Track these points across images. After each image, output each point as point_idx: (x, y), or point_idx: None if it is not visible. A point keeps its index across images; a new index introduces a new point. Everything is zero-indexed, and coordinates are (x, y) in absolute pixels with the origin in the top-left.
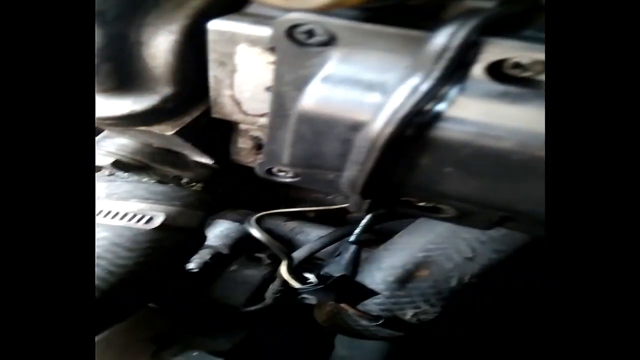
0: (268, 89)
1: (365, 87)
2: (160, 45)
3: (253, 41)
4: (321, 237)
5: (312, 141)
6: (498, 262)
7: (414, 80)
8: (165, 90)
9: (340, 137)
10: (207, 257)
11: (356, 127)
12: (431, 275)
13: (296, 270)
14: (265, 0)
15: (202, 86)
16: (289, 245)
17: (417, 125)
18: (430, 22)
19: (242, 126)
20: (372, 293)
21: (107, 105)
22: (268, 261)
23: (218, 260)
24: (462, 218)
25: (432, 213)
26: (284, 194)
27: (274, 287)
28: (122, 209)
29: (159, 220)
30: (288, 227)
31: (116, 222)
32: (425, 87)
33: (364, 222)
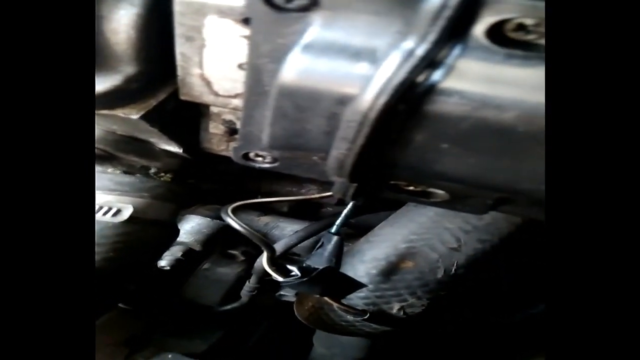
0: (241, 66)
1: (353, 55)
2: (121, 19)
3: (224, 12)
4: (299, 230)
5: (294, 118)
6: (484, 252)
7: (408, 44)
8: (128, 69)
9: (326, 113)
10: (179, 254)
11: (344, 100)
12: (416, 267)
13: (277, 263)
14: None
15: (169, 65)
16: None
17: (412, 96)
18: None
19: (214, 109)
20: (358, 285)
21: None
22: (242, 258)
23: (190, 257)
24: (454, 202)
25: (423, 197)
26: (255, 188)
27: (250, 284)
28: None
29: (127, 212)
30: (262, 221)
31: None
32: (420, 51)
33: (345, 212)
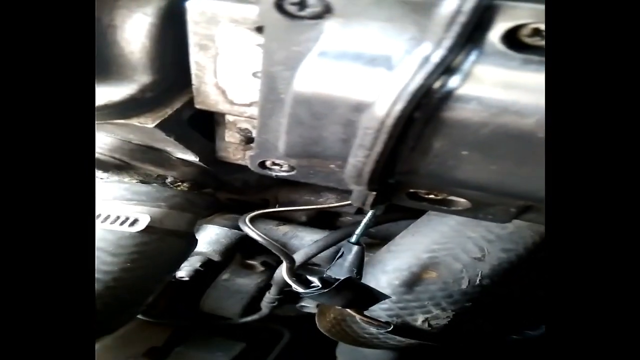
0: (256, 74)
1: (368, 62)
2: (135, 28)
3: (237, 20)
4: (318, 239)
5: (311, 126)
6: (509, 262)
7: (424, 50)
8: (143, 78)
9: (343, 120)
10: (198, 264)
11: (360, 107)
12: (440, 277)
13: (297, 274)
14: None
15: (184, 74)
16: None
17: (429, 103)
18: None
19: (229, 118)
20: (381, 297)
21: None
22: (261, 268)
23: (209, 267)
24: (477, 210)
25: (444, 206)
26: (273, 197)
27: (270, 295)
28: (103, 211)
29: (144, 222)
30: (281, 231)
31: (97, 225)
32: (436, 57)
33: (364, 221)
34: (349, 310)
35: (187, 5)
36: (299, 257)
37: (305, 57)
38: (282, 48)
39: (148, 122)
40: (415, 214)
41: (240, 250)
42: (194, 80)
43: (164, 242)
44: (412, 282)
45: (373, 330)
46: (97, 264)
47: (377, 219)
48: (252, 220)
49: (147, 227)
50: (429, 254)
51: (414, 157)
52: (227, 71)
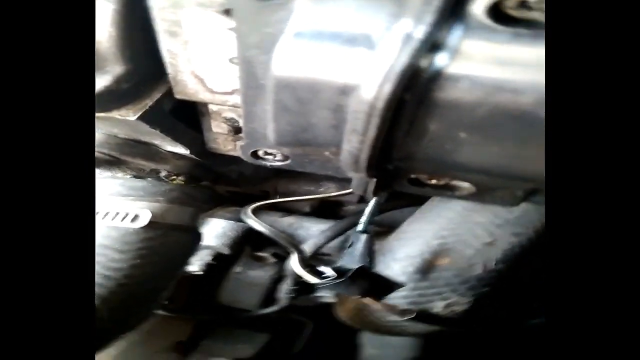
0: (232, 60)
1: (346, 42)
2: (99, 17)
3: (203, 3)
4: (325, 229)
5: (297, 112)
6: (521, 247)
7: (405, 26)
8: (116, 69)
9: (329, 104)
10: (208, 258)
11: (346, 90)
12: (453, 264)
13: (310, 264)
14: None
15: (159, 63)
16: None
17: (418, 83)
18: None
19: (212, 107)
20: (397, 285)
21: None
22: (273, 260)
23: (220, 261)
24: (482, 194)
25: (447, 191)
26: (272, 188)
27: (286, 287)
28: (102, 208)
29: (145, 217)
30: (286, 222)
31: (98, 222)
32: (419, 33)
33: (368, 209)
34: (367, 299)
35: None
36: (308, 248)
37: (279, 38)
38: (254, 31)
39: (129, 115)
40: (419, 201)
41: (249, 243)
42: (169, 69)
43: (169, 237)
44: (426, 269)
45: (394, 317)
46: (106, 262)
47: (381, 207)
48: (255, 211)
49: (150, 222)
50: (439, 241)
51: (410, 141)
52: (202, 58)
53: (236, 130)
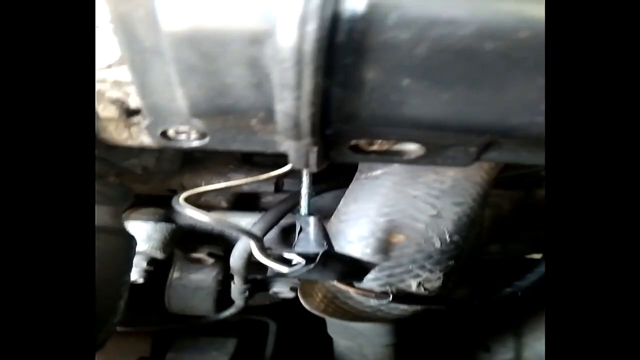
0: (98, 25)
1: None
2: None
3: None
4: (260, 218)
5: (207, 72)
6: (466, 216)
7: None
8: None
9: (243, 58)
10: (143, 264)
11: (257, 38)
12: (410, 240)
13: (272, 253)
14: None
15: None
16: (223, 239)
17: (343, 20)
18: None
19: None
20: (370, 265)
21: None
22: (211, 260)
23: (157, 266)
24: (432, 155)
25: (394, 156)
26: (177, 184)
27: (237, 286)
28: None
29: None
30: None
31: None
32: None
33: (305, 190)
34: (338, 285)
35: None
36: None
37: None
38: None
39: None
40: (339, 184)
41: (177, 245)
42: None
43: (99, 240)
44: (384, 248)
45: (373, 302)
46: None
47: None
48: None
49: None
50: (385, 218)
51: (349, 96)
52: None
53: (128, 113)
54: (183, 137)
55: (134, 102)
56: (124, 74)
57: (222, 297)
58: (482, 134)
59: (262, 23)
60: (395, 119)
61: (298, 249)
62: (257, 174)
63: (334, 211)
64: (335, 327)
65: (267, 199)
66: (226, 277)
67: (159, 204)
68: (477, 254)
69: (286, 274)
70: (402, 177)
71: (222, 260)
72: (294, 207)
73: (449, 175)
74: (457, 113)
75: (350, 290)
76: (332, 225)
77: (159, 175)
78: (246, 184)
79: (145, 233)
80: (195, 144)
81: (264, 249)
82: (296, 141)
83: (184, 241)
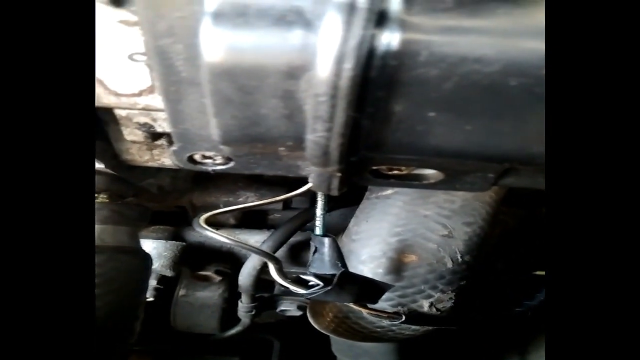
0: (132, 57)
1: (279, 20)
2: None
3: None
4: (267, 239)
5: (242, 103)
6: (477, 235)
7: None
8: None
9: (278, 91)
10: (154, 282)
11: (293, 73)
12: (421, 260)
13: (289, 274)
14: None
15: None
16: (232, 257)
17: (377, 57)
18: None
19: (120, 112)
20: (386, 286)
21: None
22: (218, 278)
23: (167, 284)
24: (451, 181)
25: (414, 181)
26: (188, 203)
27: (244, 305)
28: None
29: None
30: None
31: None
32: (362, 3)
33: (319, 211)
34: (350, 306)
35: None
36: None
37: (199, 22)
38: (162, 17)
39: None
40: (348, 202)
41: (186, 262)
42: None
43: (117, 261)
44: (397, 268)
45: (385, 323)
46: None
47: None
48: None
49: None
50: (396, 238)
51: (377, 126)
52: (96, 57)
53: (153, 137)
54: (209, 161)
55: (161, 127)
56: (154, 100)
57: (228, 315)
58: (502, 162)
59: (299, 59)
60: (420, 148)
61: (313, 269)
62: (265, 192)
63: (341, 228)
64: (340, 346)
65: (275, 216)
66: (232, 295)
67: (167, 220)
68: (485, 273)
69: (304, 295)
70: (413, 196)
71: (229, 277)
72: (303, 224)
73: (459, 195)
74: (479, 142)
75: (363, 311)
76: (344, 244)
77: (173, 194)
78: (265, 204)
79: (155, 251)
80: (220, 168)
81: (281, 271)
82: (323, 168)
83: (191, 258)
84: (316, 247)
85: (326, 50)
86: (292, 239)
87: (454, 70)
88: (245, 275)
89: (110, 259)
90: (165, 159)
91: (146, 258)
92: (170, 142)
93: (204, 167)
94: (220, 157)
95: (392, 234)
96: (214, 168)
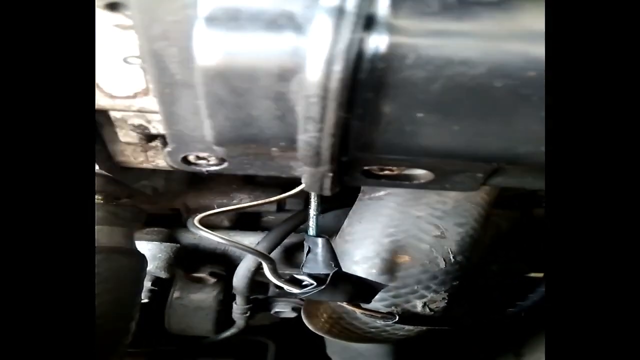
0: (127, 60)
1: (270, 23)
2: None
3: None
4: (262, 239)
5: (235, 105)
6: (469, 236)
7: (329, 1)
8: None
9: (269, 93)
10: (149, 284)
11: (284, 75)
12: (414, 260)
13: (284, 274)
14: None
15: None
16: (226, 259)
17: (365, 59)
18: None
19: (115, 114)
20: (379, 286)
21: None
22: (212, 280)
23: (160, 285)
24: (441, 181)
25: (404, 181)
26: (180, 204)
27: (239, 307)
28: None
29: None
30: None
31: None
32: (350, 7)
33: (313, 212)
34: (344, 306)
35: None
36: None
37: (187, 26)
38: (156, 21)
39: None
40: (341, 204)
41: (180, 264)
42: None
43: (112, 261)
44: (390, 268)
45: (379, 323)
46: None
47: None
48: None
49: None
50: (389, 238)
51: (366, 126)
52: None
53: (148, 139)
54: (202, 162)
55: (155, 129)
56: (148, 102)
57: (222, 317)
58: (489, 162)
59: (290, 61)
60: (409, 148)
61: (307, 269)
62: (259, 193)
63: (335, 230)
64: (335, 348)
65: (269, 218)
66: (227, 297)
67: (161, 223)
68: (478, 274)
69: (297, 294)
70: (406, 198)
71: (224, 279)
72: (297, 226)
73: (451, 196)
74: (467, 143)
75: (357, 311)
76: (338, 245)
77: (167, 196)
78: (259, 205)
79: (149, 252)
80: (214, 168)
81: (276, 271)
82: (314, 168)
83: (186, 260)
84: (310, 248)
85: (316, 53)
86: (286, 241)
87: (440, 72)
88: (240, 277)
89: (105, 259)
90: (160, 160)
91: (141, 259)
92: (165, 144)
93: (198, 168)
94: (214, 158)
95: (385, 235)
96: (208, 169)
